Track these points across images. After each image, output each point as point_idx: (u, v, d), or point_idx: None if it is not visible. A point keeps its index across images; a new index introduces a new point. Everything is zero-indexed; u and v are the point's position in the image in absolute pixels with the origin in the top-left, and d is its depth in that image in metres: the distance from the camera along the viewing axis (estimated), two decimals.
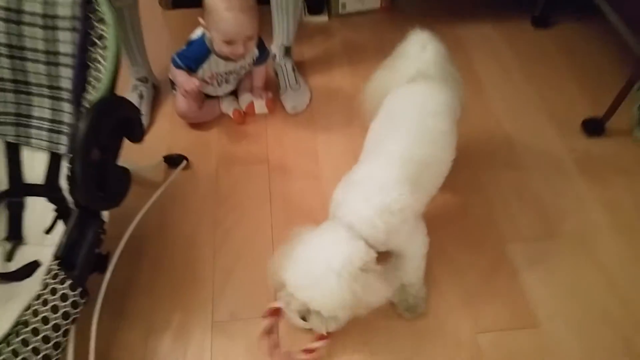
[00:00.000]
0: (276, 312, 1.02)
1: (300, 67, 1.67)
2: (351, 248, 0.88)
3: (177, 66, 1.39)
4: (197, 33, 1.41)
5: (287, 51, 1.62)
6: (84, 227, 0.87)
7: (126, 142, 0.95)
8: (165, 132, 1.54)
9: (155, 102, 1.61)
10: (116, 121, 0.89)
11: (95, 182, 0.85)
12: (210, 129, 1.55)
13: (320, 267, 0.87)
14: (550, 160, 1.44)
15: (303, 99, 1.58)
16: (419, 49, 1.09)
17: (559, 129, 1.51)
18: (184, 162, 1.43)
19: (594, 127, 1.47)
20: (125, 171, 0.95)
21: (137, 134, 0.96)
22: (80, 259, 0.85)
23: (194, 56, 1.39)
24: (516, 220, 1.30)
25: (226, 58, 1.40)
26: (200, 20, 1.34)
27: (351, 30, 1.87)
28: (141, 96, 1.53)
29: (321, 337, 1.00)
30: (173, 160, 1.42)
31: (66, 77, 1.00)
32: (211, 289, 1.19)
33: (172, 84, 1.54)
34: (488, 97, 1.62)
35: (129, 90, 1.56)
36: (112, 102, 0.89)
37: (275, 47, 1.62)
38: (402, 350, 1.07)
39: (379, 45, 1.81)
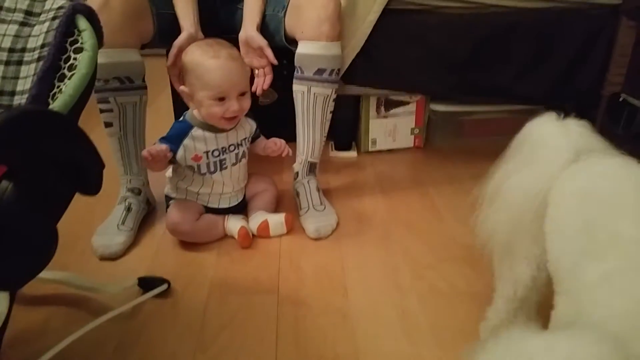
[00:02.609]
0: None
1: (326, 195, 1.37)
2: None
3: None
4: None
5: (312, 168, 1.35)
6: None
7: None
8: (150, 253, 1.18)
9: (147, 220, 1.29)
10: (60, 152, 0.56)
11: None
12: (207, 250, 1.19)
13: None
14: None
15: (328, 221, 1.25)
16: (560, 130, 0.77)
17: None
18: (164, 286, 1.03)
19: None
20: (52, 235, 0.57)
21: (90, 183, 0.62)
22: None
23: (173, 134, 1.14)
24: None
25: (215, 129, 1.14)
26: (183, 88, 1.12)
27: (383, 164, 1.64)
28: (128, 209, 1.22)
29: None
30: (149, 283, 1.03)
31: None
32: None
33: (167, 200, 1.24)
34: None
35: (116, 202, 1.25)
36: (58, 120, 0.57)
37: (297, 165, 1.36)
38: None
39: (415, 177, 1.55)
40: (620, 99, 1.53)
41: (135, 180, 1.27)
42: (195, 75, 1.09)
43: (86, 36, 0.65)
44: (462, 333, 0.93)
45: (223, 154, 1.18)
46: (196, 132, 1.14)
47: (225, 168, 1.20)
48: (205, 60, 1.07)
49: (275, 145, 1.25)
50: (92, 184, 0.62)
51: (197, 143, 1.14)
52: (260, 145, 1.28)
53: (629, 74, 1.49)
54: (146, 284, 1.03)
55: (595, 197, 0.67)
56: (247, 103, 1.14)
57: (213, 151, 1.16)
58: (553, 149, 0.77)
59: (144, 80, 1.22)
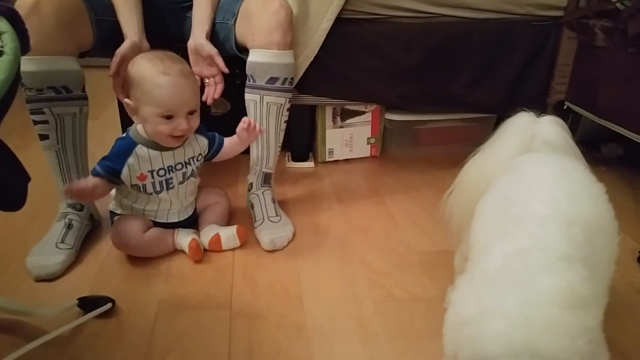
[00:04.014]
0: None
1: (282, 206, 1.35)
2: None
3: (95, 174, 1.08)
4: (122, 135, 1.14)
5: (267, 179, 1.34)
6: None
7: None
8: (93, 272, 1.12)
9: (90, 237, 1.23)
10: None
11: None
12: (156, 266, 1.14)
13: None
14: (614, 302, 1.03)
15: (284, 232, 1.23)
16: (531, 120, 0.85)
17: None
18: (108, 305, 0.98)
19: None
20: None
21: (11, 198, 0.58)
22: None
23: (115, 153, 1.08)
24: None
25: (160, 147, 1.10)
26: (127, 101, 1.07)
27: (340, 174, 1.64)
28: (69, 226, 1.16)
29: None
30: (91, 303, 0.98)
31: None
32: None
33: (112, 216, 1.19)
34: None
35: (55, 219, 1.19)
36: None
37: (252, 176, 1.34)
38: None
39: (371, 186, 1.56)
40: (565, 107, 1.61)
41: None
42: (142, 90, 1.03)
43: (6, 39, 0.60)
44: (419, 340, 0.93)
45: (169, 173, 1.13)
46: (140, 150, 1.08)
47: (172, 187, 1.15)
48: (155, 75, 1.01)
49: (245, 123, 1.16)
50: (13, 199, 0.57)
51: (141, 162, 1.09)
52: (231, 145, 1.22)
53: (571, 83, 1.57)
54: (87, 304, 0.97)
55: (518, 178, 0.73)
56: (195, 122, 1.09)
57: (158, 170, 1.11)
58: (506, 141, 0.83)
59: (84, 90, 1.17)
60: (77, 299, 0.98)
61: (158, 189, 1.13)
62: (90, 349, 0.90)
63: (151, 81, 1.02)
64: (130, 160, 1.08)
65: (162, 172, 1.12)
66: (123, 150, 1.08)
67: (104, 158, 1.08)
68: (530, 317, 0.54)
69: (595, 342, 0.55)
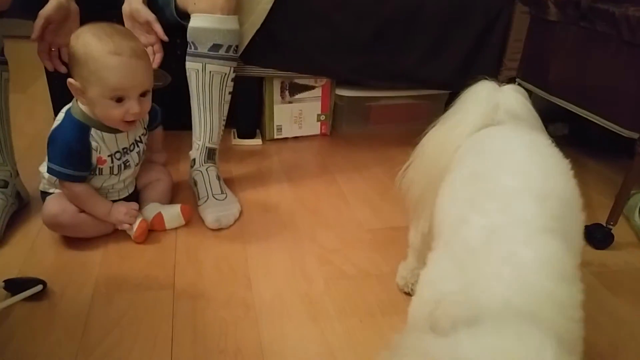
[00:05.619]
0: None
1: (228, 184, 1.36)
2: None
3: (67, 177, 1.05)
4: (58, 118, 1.08)
5: (211, 155, 1.33)
6: None
7: None
8: (22, 253, 1.09)
9: (18, 217, 1.19)
10: None
11: None
12: (92, 246, 1.12)
13: None
14: None
15: (230, 210, 1.24)
16: (493, 88, 0.85)
17: None
18: (38, 287, 0.96)
19: (600, 237, 1.23)
20: None
21: None
22: None
23: (71, 142, 1.04)
24: None
25: (113, 130, 1.08)
26: (71, 81, 1.01)
27: (289, 152, 1.67)
28: None
29: None
30: (19, 285, 0.95)
31: None
32: None
33: (44, 196, 1.15)
34: None
35: None
36: None
37: (194, 152, 1.33)
38: None
39: (322, 164, 1.59)
40: (516, 84, 1.69)
41: None
42: (88, 70, 0.97)
43: None
44: (370, 315, 0.97)
45: (125, 155, 1.12)
46: (95, 133, 1.05)
47: (129, 167, 1.15)
48: (104, 54, 0.96)
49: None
50: None
51: (101, 144, 1.07)
52: (157, 140, 1.28)
53: (523, 59, 1.65)
54: (15, 286, 0.95)
55: (487, 152, 0.75)
56: (147, 104, 1.06)
57: (115, 153, 1.10)
58: (470, 111, 0.84)
59: (2, 54, 1.11)
60: (3, 281, 0.95)
61: (116, 172, 1.12)
62: (19, 333, 0.88)
63: (100, 61, 0.96)
64: (94, 144, 1.06)
65: (118, 155, 1.11)
66: (81, 138, 1.04)
67: (59, 154, 1.03)
68: (527, 285, 0.54)
69: (581, 320, 0.55)
